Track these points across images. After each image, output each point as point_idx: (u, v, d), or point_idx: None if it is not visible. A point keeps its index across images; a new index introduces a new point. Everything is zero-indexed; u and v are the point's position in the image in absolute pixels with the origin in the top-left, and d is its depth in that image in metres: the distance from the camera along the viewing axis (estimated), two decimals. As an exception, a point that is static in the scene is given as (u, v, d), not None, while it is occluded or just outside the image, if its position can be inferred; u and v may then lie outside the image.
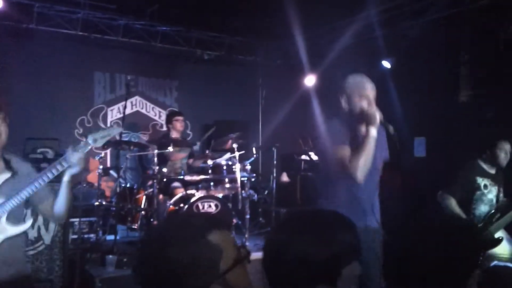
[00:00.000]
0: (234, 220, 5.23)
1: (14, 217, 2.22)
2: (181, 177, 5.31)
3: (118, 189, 5.23)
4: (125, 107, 5.35)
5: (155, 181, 4.97)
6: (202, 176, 5.37)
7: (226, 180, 5.44)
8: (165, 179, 5.30)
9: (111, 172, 5.62)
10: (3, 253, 2.18)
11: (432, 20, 5.49)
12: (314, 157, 6.09)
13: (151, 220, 4.95)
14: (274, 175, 6.27)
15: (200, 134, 6.93)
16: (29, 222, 2.32)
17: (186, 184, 5.38)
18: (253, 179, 5.76)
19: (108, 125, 6.71)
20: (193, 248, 1.09)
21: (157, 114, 7.17)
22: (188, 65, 7.30)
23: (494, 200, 3.76)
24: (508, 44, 4.99)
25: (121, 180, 5.31)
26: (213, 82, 7.39)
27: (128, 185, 5.40)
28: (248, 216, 5.46)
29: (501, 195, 3.84)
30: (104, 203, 5.17)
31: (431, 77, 5.73)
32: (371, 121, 2.53)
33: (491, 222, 3.64)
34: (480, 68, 5.42)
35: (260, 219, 6.23)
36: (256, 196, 6.01)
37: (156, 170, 4.96)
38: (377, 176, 2.76)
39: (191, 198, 4.96)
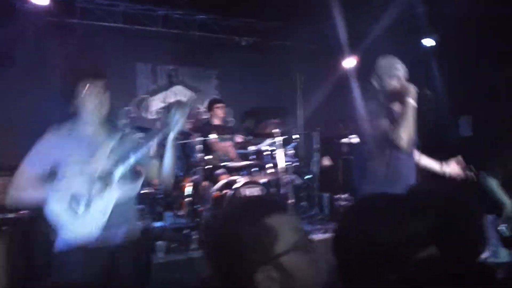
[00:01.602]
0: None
1: (125, 179, 2.40)
2: (225, 163, 5.38)
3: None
4: (168, 97, 5.45)
5: (199, 168, 5.05)
6: (245, 162, 5.42)
7: (269, 165, 5.47)
8: (209, 166, 5.38)
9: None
10: (117, 212, 2.35)
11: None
12: (355, 141, 6.03)
13: (197, 206, 5.05)
14: (316, 159, 6.24)
15: (241, 120, 6.97)
16: (139, 183, 2.52)
17: (229, 171, 5.45)
18: (295, 164, 5.76)
19: (152, 115, 6.86)
20: (246, 229, 1.12)
21: (199, 103, 7.26)
22: (226, 53, 7.33)
23: None
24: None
25: (166, 168, 5.41)
26: (252, 68, 7.41)
27: (174, 173, 5.51)
28: (292, 201, 5.48)
29: None
30: (151, 191, 5.31)
31: (476, 54, 5.53)
32: (407, 92, 2.68)
33: None
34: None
35: (303, 203, 6.25)
36: (298, 180, 6.02)
37: (199, 158, 5.03)
38: (414, 151, 2.91)
39: (235, 183, 5.02)
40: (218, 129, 5.53)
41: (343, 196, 5.87)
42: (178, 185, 5.31)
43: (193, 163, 5.33)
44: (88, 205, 2.29)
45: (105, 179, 2.33)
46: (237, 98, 7.32)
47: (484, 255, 2.09)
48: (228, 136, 5.69)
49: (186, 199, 5.20)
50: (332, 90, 7.05)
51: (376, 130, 2.71)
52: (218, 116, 5.75)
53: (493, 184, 3.58)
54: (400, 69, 2.80)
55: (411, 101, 2.67)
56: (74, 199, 2.29)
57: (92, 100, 2.41)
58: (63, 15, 5.92)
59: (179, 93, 7.16)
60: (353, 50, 6.74)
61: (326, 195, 6.13)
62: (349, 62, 6.86)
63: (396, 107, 2.79)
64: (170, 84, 5.84)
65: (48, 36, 5.96)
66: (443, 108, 5.61)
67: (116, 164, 2.35)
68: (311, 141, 6.27)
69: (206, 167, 5.28)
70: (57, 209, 2.30)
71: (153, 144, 2.40)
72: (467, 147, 5.68)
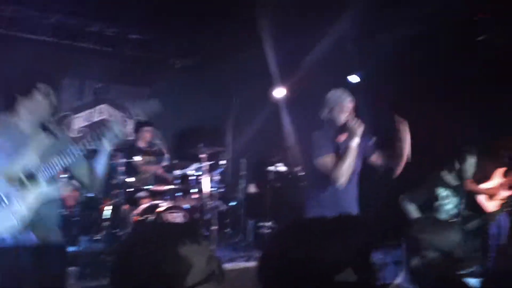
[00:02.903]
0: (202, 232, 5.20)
1: (53, 181, 2.42)
2: (148, 187, 5.26)
3: (81, 199, 5.12)
4: (92, 116, 5.28)
5: (121, 190, 4.90)
6: (170, 186, 5.33)
7: (194, 190, 5.42)
8: (131, 189, 5.23)
9: (75, 181, 5.51)
10: (42, 213, 2.35)
11: (404, 36, 5.57)
12: (283, 169, 6.12)
13: (116, 230, 4.88)
14: (243, 186, 6.25)
15: (170, 142, 6.84)
16: (68, 189, 2.64)
17: (153, 194, 5.33)
18: (220, 190, 5.74)
19: (74, 133, 6.60)
20: (159, 258, 1.07)
21: (125, 123, 7.08)
22: (160, 73, 7.23)
23: (455, 210, 3.81)
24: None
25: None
26: (186, 89, 7.33)
27: (92, 195, 5.29)
28: (215, 227, 5.43)
29: (462, 206, 3.87)
30: (66, 213, 5.05)
31: (399, 93, 5.75)
32: (353, 133, 2.80)
33: None
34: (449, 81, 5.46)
35: (228, 230, 6.21)
36: (224, 207, 5.99)
37: (122, 180, 4.89)
38: (357, 179, 3.04)
39: (157, 208, 4.91)
40: (144, 152, 5.41)
41: (267, 223, 5.90)
42: (97, 207, 5.11)
43: (114, 185, 5.15)
44: (10, 200, 2.27)
45: (32, 177, 2.32)
46: (167, 120, 7.17)
47: (397, 280, 2.15)
48: (155, 160, 5.58)
49: (104, 223, 5.01)
50: (265, 116, 7.12)
51: (320, 165, 2.80)
52: (145, 139, 5.59)
53: (412, 208, 3.74)
54: (350, 102, 2.89)
55: (355, 141, 2.78)
56: None
57: (37, 104, 2.40)
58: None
59: (104, 111, 6.95)
60: (286, 78, 6.86)
61: (251, 222, 6.13)
62: (279, 92, 6.98)
63: (342, 139, 2.89)
64: (96, 102, 5.63)
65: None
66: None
67: (46, 164, 2.36)
68: (238, 167, 6.28)
69: (128, 189, 5.14)
70: None
71: (88, 148, 2.45)
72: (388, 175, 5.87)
